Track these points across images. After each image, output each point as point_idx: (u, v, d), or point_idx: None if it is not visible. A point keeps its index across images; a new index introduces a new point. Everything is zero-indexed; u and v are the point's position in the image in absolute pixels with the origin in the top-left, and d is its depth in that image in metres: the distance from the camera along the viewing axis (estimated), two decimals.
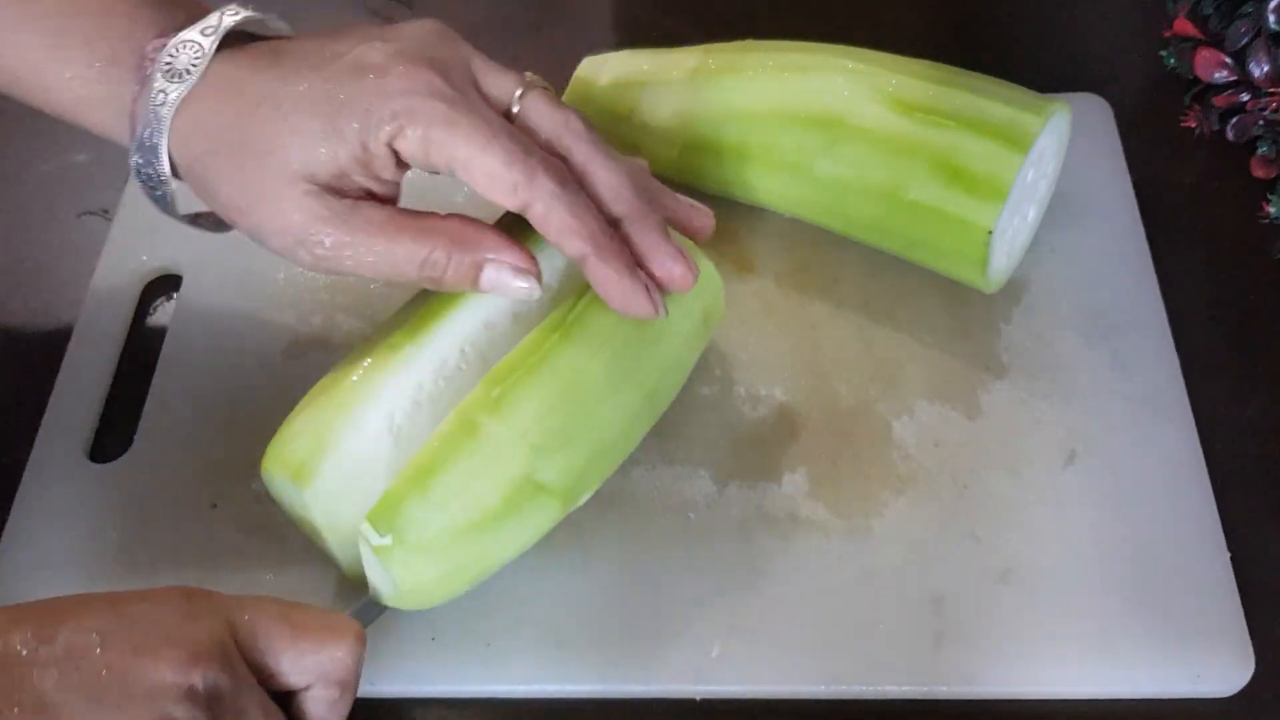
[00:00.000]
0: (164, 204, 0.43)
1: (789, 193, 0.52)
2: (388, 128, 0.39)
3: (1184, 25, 0.58)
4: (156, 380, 0.52)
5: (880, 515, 0.46)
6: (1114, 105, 0.58)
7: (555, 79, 0.56)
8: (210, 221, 0.45)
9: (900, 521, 0.46)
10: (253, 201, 0.40)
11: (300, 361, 0.52)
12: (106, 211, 0.59)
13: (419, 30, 0.42)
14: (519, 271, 0.41)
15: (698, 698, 0.43)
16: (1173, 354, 0.50)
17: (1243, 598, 0.43)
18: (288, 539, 0.47)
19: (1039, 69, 0.60)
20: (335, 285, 0.54)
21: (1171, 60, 0.60)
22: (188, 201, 0.44)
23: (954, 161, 0.47)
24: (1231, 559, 0.44)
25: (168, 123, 0.40)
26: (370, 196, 0.41)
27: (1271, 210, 0.55)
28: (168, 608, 0.34)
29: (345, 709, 0.36)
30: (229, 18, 0.41)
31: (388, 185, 0.41)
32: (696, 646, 0.43)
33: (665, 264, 0.41)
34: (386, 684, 0.44)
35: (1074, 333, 0.51)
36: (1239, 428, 0.49)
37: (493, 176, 0.39)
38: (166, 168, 0.41)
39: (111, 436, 0.51)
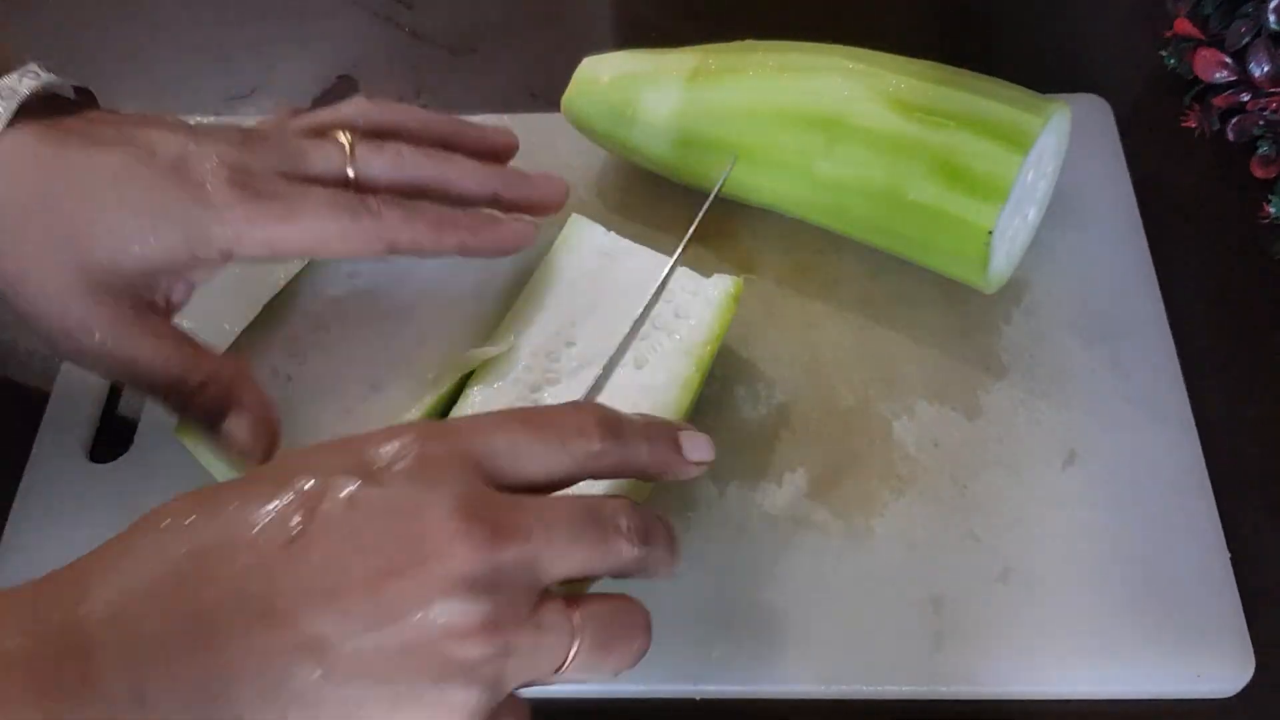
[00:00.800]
0: None
1: (789, 193, 0.52)
2: (226, 238, 0.39)
3: (1184, 25, 0.58)
4: None
5: (880, 515, 0.46)
6: (1114, 105, 0.58)
7: (555, 79, 0.56)
8: None
9: (900, 521, 0.46)
10: (44, 293, 0.39)
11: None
12: None
13: (232, 129, 0.42)
14: (253, 431, 0.41)
15: (698, 697, 0.43)
16: (1173, 354, 0.50)
17: (1243, 598, 0.43)
18: None
19: (1039, 69, 0.60)
20: None
21: (1171, 60, 0.60)
22: None
23: (954, 162, 0.47)
24: (1231, 559, 0.44)
25: None
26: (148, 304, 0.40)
27: (1271, 210, 0.55)
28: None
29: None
30: (27, 80, 0.39)
31: (182, 294, 0.42)
32: (696, 646, 0.43)
33: (540, 187, 0.46)
34: None
35: (1074, 333, 0.51)
36: (1239, 428, 0.49)
37: (346, 238, 0.40)
38: None
39: (111, 436, 0.51)
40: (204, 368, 0.40)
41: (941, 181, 0.47)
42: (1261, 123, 0.56)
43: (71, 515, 0.48)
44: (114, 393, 0.53)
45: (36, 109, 0.39)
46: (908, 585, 0.44)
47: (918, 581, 0.44)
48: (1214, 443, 0.47)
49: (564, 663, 0.32)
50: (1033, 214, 0.52)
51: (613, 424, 0.34)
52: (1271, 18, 0.54)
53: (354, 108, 0.45)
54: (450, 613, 0.29)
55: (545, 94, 0.63)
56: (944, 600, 0.44)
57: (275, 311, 0.47)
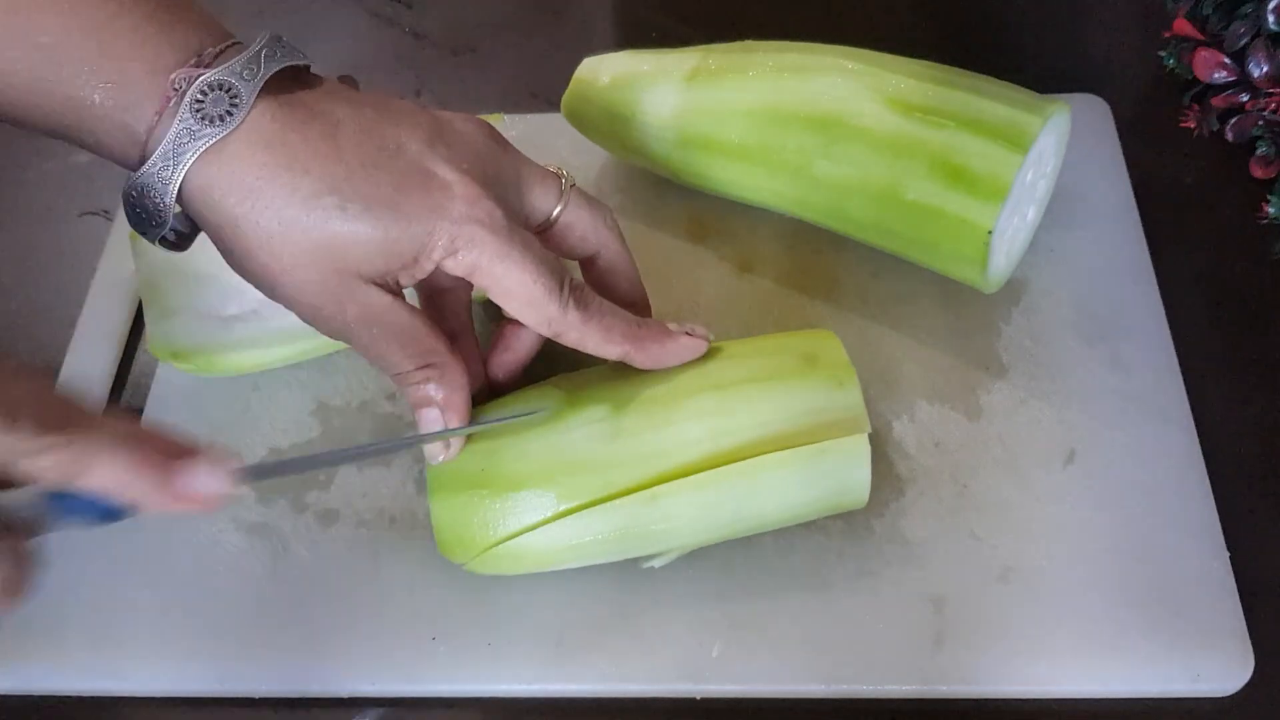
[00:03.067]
0: (145, 231, 0.40)
1: (789, 193, 0.52)
2: (443, 250, 0.39)
3: (1183, 26, 0.58)
4: (157, 380, 0.52)
5: (880, 515, 0.46)
6: (1113, 105, 0.58)
7: (555, 79, 0.56)
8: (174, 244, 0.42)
9: (900, 521, 0.46)
10: (294, 281, 0.39)
11: (300, 362, 0.52)
12: (107, 211, 0.59)
13: (474, 135, 0.42)
14: (444, 442, 0.42)
15: (698, 697, 0.43)
16: (1172, 354, 0.50)
17: (1243, 598, 0.43)
18: (288, 539, 0.47)
19: (1039, 69, 0.60)
20: None
21: (1171, 60, 0.60)
22: None
23: (953, 161, 0.47)
24: (1231, 559, 0.44)
25: (188, 166, 0.37)
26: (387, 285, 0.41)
27: (1271, 210, 0.55)
28: None
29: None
30: (270, 63, 0.38)
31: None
32: (696, 646, 0.43)
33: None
34: (387, 684, 0.44)
35: (1073, 333, 0.51)
36: (1239, 428, 0.49)
37: (530, 307, 0.40)
38: (169, 206, 0.38)
39: None
40: (428, 356, 0.41)
41: (941, 181, 0.47)
42: (1260, 123, 0.56)
43: None
44: (114, 392, 0.53)
45: (273, 82, 0.38)
46: (908, 585, 0.44)
47: (918, 581, 0.44)
48: (1214, 443, 0.47)
49: None
50: (1032, 214, 0.52)
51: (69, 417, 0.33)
52: (1270, 18, 0.54)
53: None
54: None
55: (545, 94, 0.63)
56: (944, 600, 0.44)
57: None
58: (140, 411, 0.52)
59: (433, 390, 0.41)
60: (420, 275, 0.40)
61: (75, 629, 0.45)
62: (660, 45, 0.55)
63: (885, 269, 0.53)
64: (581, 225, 0.44)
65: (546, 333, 0.42)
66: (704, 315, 0.52)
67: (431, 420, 0.41)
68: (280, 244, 0.38)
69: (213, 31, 0.39)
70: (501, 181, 0.41)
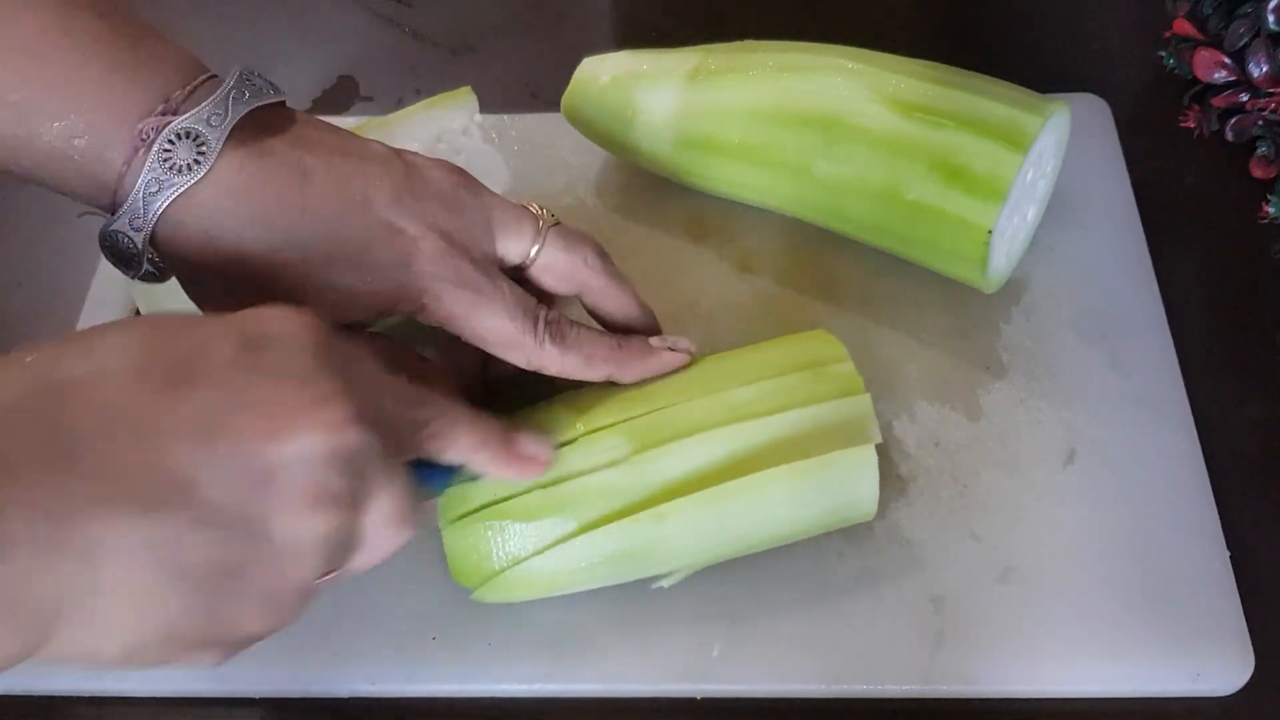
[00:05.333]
0: (124, 271, 0.39)
1: (789, 193, 0.52)
2: (410, 305, 0.40)
3: (1183, 25, 0.58)
4: None
5: (880, 515, 0.46)
6: (1113, 105, 0.58)
7: (555, 79, 0.56)
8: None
9: (901, 521, 0.46)
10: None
11: None
12: None
13: (443, 182, 0.41)
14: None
15: (698, 697, 0.43)
16: (1172, 354, 0.50)
17: (1243, 597, 0.43)
18: None
19: (1039, 69, 0.60)
20: None
21: (1171, 60, 0.60)
22: None
23: (953, 161, 0.47)
24: (1231, 558, 0.44)
25: (156, 216, 0.37)
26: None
27: (1271, 210, 0.55)
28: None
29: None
30: (237, 106, 0.37)
31: None
32: (696, 646, 0.43)
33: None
34: (387, 684, 0.44)
35: (1073, 333, 0.51)
36: (1239, 428, 0.49)
37: (507, 349, 0.41)
38: (143, 251, 0.37)
39: None
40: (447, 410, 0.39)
41: (941, 181, 0.47)
42: (1260, 123, 0.56)
43: None
44: None
45: (243, 123, 0.37)
46: (908, 585, 0.44)
47: (918, 581, 0.44)
48: (1214, 443, 0.47)
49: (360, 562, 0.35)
50: (1032, 214, 0.52)
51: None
52: (1270, 18, 0.54)
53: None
54: (311, 477, 0.31)
55: (545, 94, 0.63)
56: (944, 600, 0.44)
57: None
58: None
59: (447, 452, 0.39)
60: (386, 320, 0.40)
61: None
62: (660, 45, 0.55)
63: (885, 269, 0.53)
64: (559, 267, 0.43)
65: (527, 367, 0.42)
66: (704, 315, 0.52)
67: (479, 468, 0.40)
68: (242, 292, 0.37)
69: (182, 69, 0.38)
70: (470, 229, 0.41)
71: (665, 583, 0.43)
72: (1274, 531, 0.46)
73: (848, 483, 0.42)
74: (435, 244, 0.39)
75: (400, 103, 0.55)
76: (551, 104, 0.57)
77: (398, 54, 0.67)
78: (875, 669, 0.43)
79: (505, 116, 0.60)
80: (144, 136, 0.36)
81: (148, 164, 0.36)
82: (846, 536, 0.45)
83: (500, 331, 0.40)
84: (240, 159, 0.37)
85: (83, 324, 0.54)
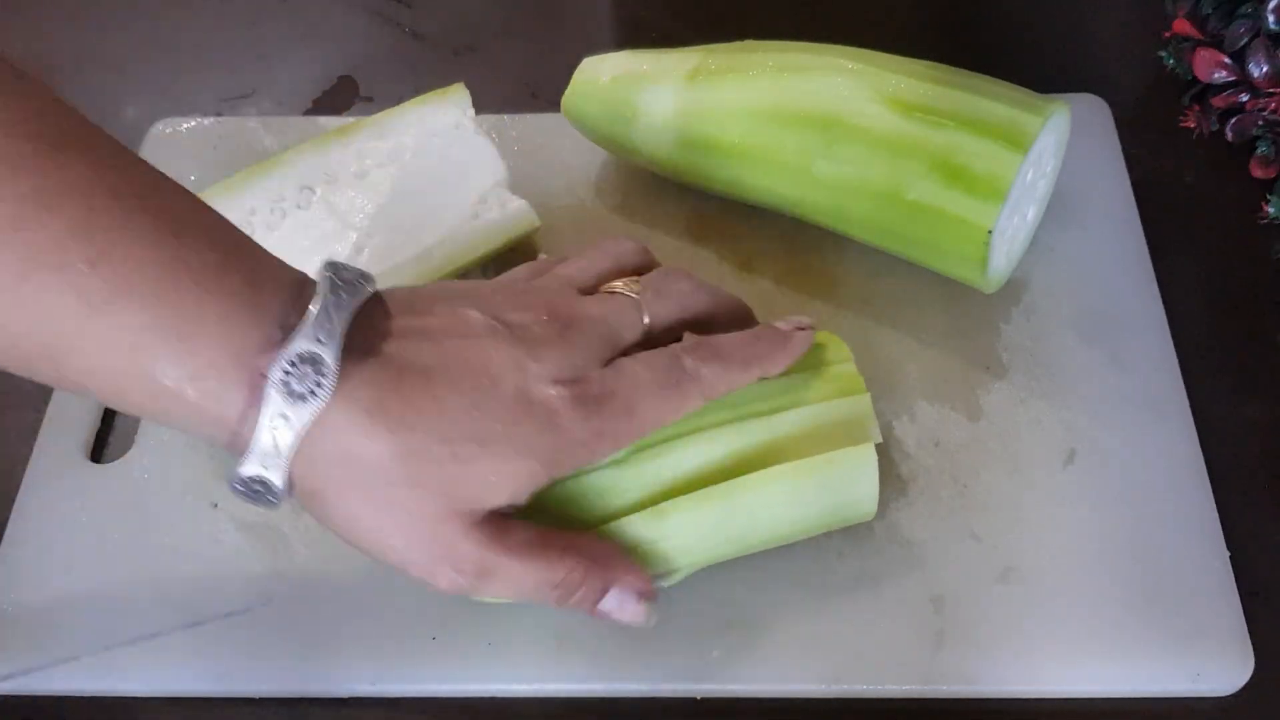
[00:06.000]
0: (265, 505, 0.37)
1: (789, 193, 0.52)
2: (580, 456, 0.39)
3: (1183, 25, 0.58)
4: None
5: (880, 515, 0.46)
6: (1113, 105, 0.58)
7: (555, 79, 0.56)
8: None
9: (901, 521, 0.46)
10: (401, 535, 0.37)
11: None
12: None
13: (543, 325, 0.39)
14: (641, 596, 0.41)
15: (698, 697, 0.43)
16: (1172, 354, 0.50)
17: (1243, 597, 0.43)
18: (289, 539, 0.47)
19: (1039, 69, 0.60)
20: None
21: (1170, 60, 0.60)
22: None
23: (953, 161, 0.47)
24: (1231, 559, 0.44)
25: (292, 450, 0.35)
26: None
27: (1271, 210, 0.55)
28: None
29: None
30: (340, 313, 0.35)
31: None
32: (696, 646, 0.43)
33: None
34: (387, 683, 0.44)
35: (1073, 332, 0.51)
36: (1239, 428, 0.49)
37: (677, 410, 0.40)
38: (282, 488, 0.36)
39: (111, 436, 0.51)
40: (562, 567, 0.39)
41: (941, 181, 0.47)
42: (1260, 123, 0.56)
43: (71, 515, 0.48)
44: None
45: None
46: (908, 585, 0.44)
47: (918, 581, 0.44)
48: (1214, 443, 0.47)
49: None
50: (1032, 214, 0.52)
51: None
52: (1270, 18, 0.54)
53: (615, 251, 0.45)
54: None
55: (545, 94, 0.63)
56: (944, 600, 0.44)
57: (263, 170, 0.51)
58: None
59: (594, 584, 0.39)
60: (557, 477, 0.39)
61: (75, 629, 0.45)
62: (660, 45, 0.55)
63: (885, 269, 0.53)
64: (669, 320, 0.43)
65: (705, 403, 0.41)
66: None
67: (614, 607, 0.40)
68: (390, 504, 0.36)
69: (289, 286, 0.36)
70: (587, 358, 0.40)
71: (665, 582, 0.43)
72: (1274, 531, 0.46)
73: (849, 482, 0.42)
74: (568, 395, 0.38)
75: (400, 103, 0.55)
76: (551, 104, 0.57)
77: (398, 54, 0.67)
78: (875, 669, 0.43)
79: (505, 116, 0.60)
80: (263, 372, 0.34)
81: (269, 399, 0.34)
82: (846, 536, 0.45)
83: (663, 409, 0.40)
84: (363, 372, 0.36)
85: None
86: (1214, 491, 0.46)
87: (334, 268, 0.36)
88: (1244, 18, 0.55)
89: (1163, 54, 0.60)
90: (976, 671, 0.42)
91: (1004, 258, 0.50)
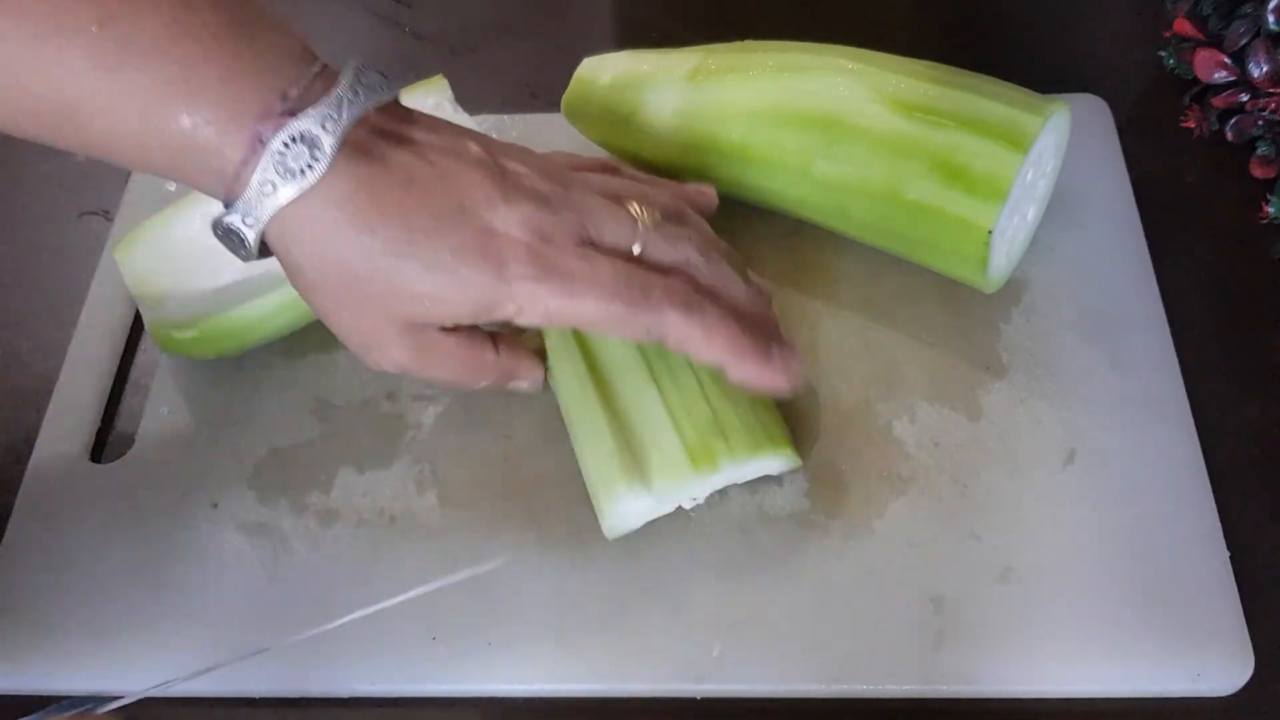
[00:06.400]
0: (234, 253, 0.40)
1: (789, 193, 0.52)
2: (509, 311, 0.40)
3: (1183, 25, 0.58)
4: (157, 380, 0.52)
5: (880, 515, 0.46)
6: (1113, 105, 0.58)
7: (555, 79, 0.56)
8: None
9: (900, 521, 0.46)
10: (351, 323, 0.41)
11: (300, 361, 0.52)
12: (107, 212, 0.59)
13: (538, 184, 0.42)
14: (533, 384, 0.46)
15: (698, 697, 0.43)
16: (1172, 354, 0.50)
17: (1243, 597, 0.43)
18: (289, 540, 0.47)
19: (1039, 69, 0.60)
20: None
21: (1170, 60, 0.60)
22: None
23: (953, 161, 0.47)
24: (1231, 558, 0.44)
25: (269, 216, 0.38)
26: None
27: (1271, 210, 0.55)
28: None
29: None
30: (352, 109, 0.37)
31: None
32: (696, 646, 0.43)
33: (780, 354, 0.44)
34: (387, 684, 0.44)
35: (1074, 332, 0.51)
36: (1239, 428, 0.49)
37: (621, 324, 0.41)
38: (255, 245, 0.39)
39: (111, 436, 0.51)
40: (489, 370, 0.44)
41: (941, 181, 0.47)
42: (1260, 123, 0.56)
43: (71, 515, 0.48)
44: (114, 393, 0.53)
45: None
46: (908, 585, 0.44)
47: (918, 581, 0.44)
48: (1214, 443, 0.47)
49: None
50: (1032, 214, 0.52)
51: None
52: (1270, 18, 0.54)
53: (661, 191, 0.46)
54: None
55: (545, 94, 0.63)
56: (944, 600, 0.44)
57: None
58: (140, 412, 0.52)
59: (491, 385, 0.44)
60: (485, 324, 0.42)
61: (75, 629, 0.45)
62: (660, 45, 0.55)
63: (885, 269, 0.53)
64: (665, 260, 0.43)
65: (649, 339, 0.42)
66: None
67: (514, 390, 0.46)
68: (340, 290, 0.40)
69: (298, 60, 0.38)
70: (563, 229, 0.41)
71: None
72: (1274, 531, 0.46)
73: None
74: (526, 247, 0.40)
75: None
76: (551, 104, 0.57)
77: (398, 54, 0.67)
78: (875, 669, 0.43)
79: (505, 116, 0.60)
80: (262, 139, 0.37)
81: (262, 165, 0.37)
82: (847, 536, 0.45)
83: (606, 311, 0.40)
84: (352, 166, 0.38)
85: (83, 324, 0.54)
86: (1214, 491, 0.46)
87: (360, 68, 0.39)
88: (1244, 18, 0.55)
89: (1163, 54, 0.60)
90: (976, 671, 0.42)
91: (1004, 258, 0.50)
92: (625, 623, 0.44)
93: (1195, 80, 0.58)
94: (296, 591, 0.45)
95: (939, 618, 0.43)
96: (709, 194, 0.49)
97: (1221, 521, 0.45)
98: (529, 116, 0.60)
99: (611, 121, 0.54)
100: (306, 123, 0.37)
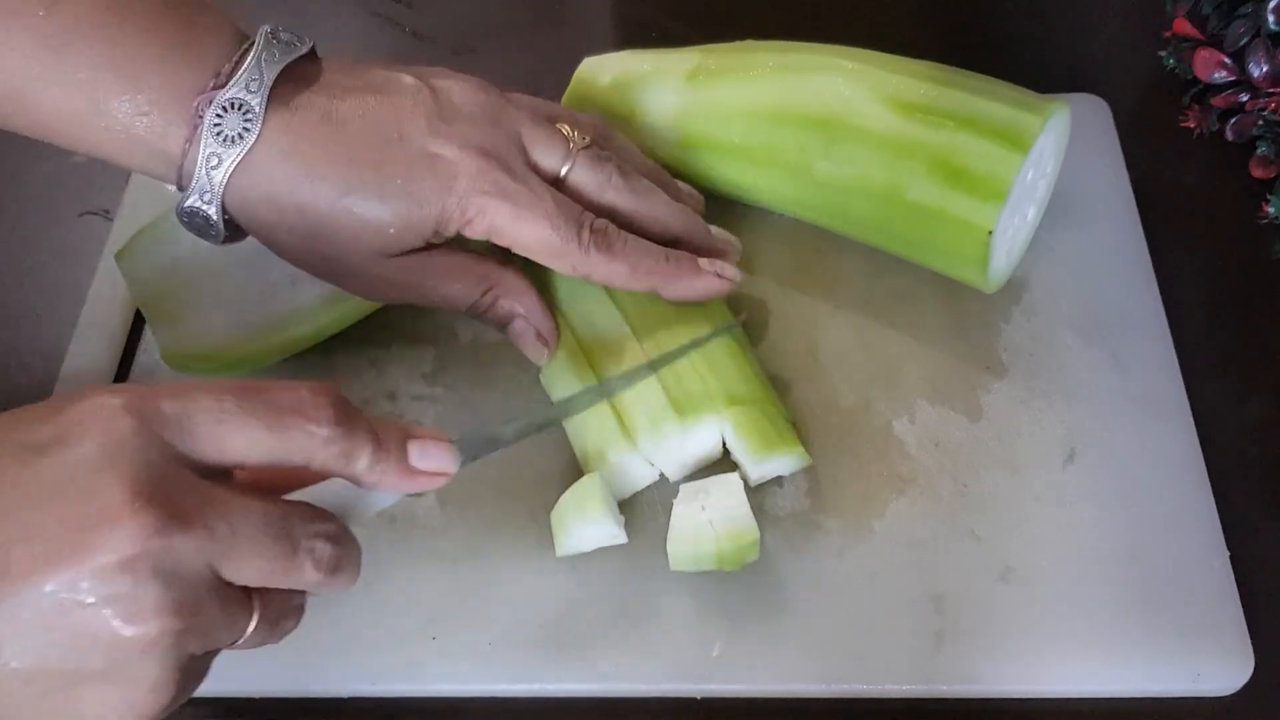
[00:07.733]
0: (207, 239, 0.42)
1: (789, 193, 0.52)
2: (458, 222, 0.42)
3: (1183, 25, 0.58)
4: (157, 381, 0.52)
5: (880, 515, 0.46)
6: (1113, 105, 0.58)
7: (555, 79, 0.56)
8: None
9: (900, 521, 0.46)
10: (331, 270, 0.43)
11: (299, 362, 0.52)
12: (107, 211, 0.59)
13: (471, 103, 0.43)
14: (539, 339, 0.47)
15: (698, 697, 0.43)
16: (1172, 354, 0.50)
17: (1243, 598, 0.43)
18: None
19: (1039, 69, 0.60)
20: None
21: (1171, 60, 0.60)
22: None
23: (954, 162, 0.47)
24: (1231, 559, 0.44)
25: (222, 187, 0.40)
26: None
27: (1270, 210, 0.55)
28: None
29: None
30: (270, 67, 0.40)
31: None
32: (696, 646, 0.43)
33: (718, 244, 0.49)
34: (387, 684, 0.44)
35: (1074, 332, 0.51)
36: (1239, 428, 0.49)
37: (552, 255, 0.43)
38: (219, 221, 0.41)
39: None
40: (484, 281, 0.45)
41: (941, 181, 0.47)
42: (1260, 123, 0.56)
43: None
44: None
45: (279, 80, 0.40)
46: (908, 584, 0.44)
47: (918, 581, 0.44)
48: (1214, 443, 0.47)
49: (239, 639, 0.33)
50: (1032, 214, 0.52)
51: (345, 412, 0.33)
52: (1270, 18, 0.54)
53: (588, 117, 0.48)
54: (118, 595, 0.28)
55: (545, 94, 0.62)
56: (945, 599, 0.44)
57: None
58: None
59: (504, 305, 0.46)
60: (444, 239, 0.43)
61: None
62: (660, 45, 0.55)
63: (885, 269, 0.53)
64: (588, 189, 0.45)
65: (574, 275, 0.44)
66: None
67: (521, 331, 0.47)
68: (314, 241, 0.41)
69: (227, 39, 0.41)
70: (503, 145, 0.43)
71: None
72: (1274, 531, 0.46)
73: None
74: (472, 162, 0.42)
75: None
76: None
77: (398, 54, 0.67)
78: (875, 669, 0.43)
79: None
80: (199, 113, 0.39)
81: (203, 139, 0.39)
82: (847, 536, 0.45)
83: (543, 239, 0.42)
84: (284, 119, 0.40)
85: (83, 324, 0.54)
86: (1214, 491, 0.46)
87: (271, 31, 0.41)
88: (1244, 18, 0.55)
89: (1163, 54, 0.60)
90: (976, 671, 0.42)
91: (1004, 258, 0.50)
92: (625, 623, 0.44)
93: (1195, 80, 0.58)
94: None
95: (939, 617, 0.43)
96: (696, 197, 0.52)
97: (1221, 521, 0.45)
98: None
99: (611, 122, 0.54)
100: (233, 90, 0.39)
